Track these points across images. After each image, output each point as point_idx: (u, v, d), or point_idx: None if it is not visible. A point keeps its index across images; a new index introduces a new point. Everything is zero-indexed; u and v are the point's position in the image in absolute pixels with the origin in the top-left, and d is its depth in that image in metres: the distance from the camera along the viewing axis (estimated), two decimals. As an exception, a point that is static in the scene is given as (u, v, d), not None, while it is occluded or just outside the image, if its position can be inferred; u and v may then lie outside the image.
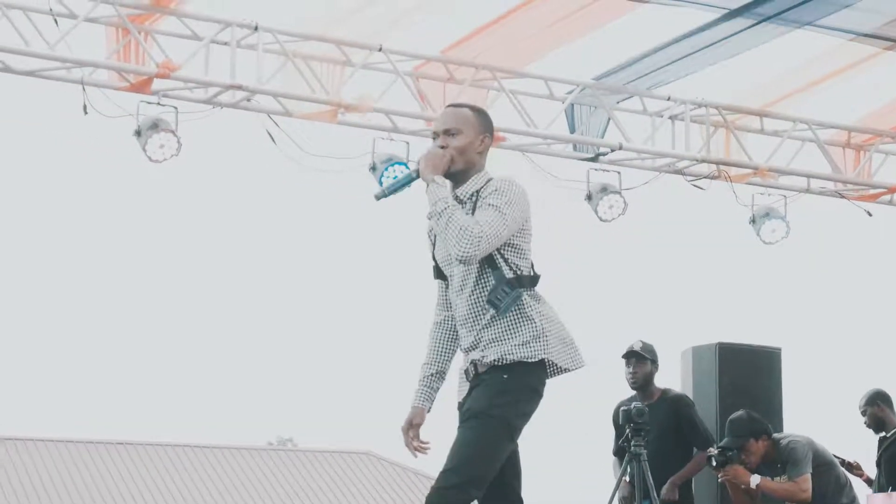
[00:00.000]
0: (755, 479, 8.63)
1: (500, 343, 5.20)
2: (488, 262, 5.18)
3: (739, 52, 10.47)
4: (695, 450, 9.24)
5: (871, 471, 9.75)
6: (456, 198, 5.27)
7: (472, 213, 5.19)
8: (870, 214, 12.23)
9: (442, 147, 5.29)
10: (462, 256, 5.09)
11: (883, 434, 9.63)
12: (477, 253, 5.09)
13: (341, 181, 11.23)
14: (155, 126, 9.78)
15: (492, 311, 5.20)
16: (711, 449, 8.89)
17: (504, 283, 5.18)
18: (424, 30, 10.34)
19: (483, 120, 5.39)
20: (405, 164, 10.52)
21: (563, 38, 10.42)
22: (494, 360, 5.19)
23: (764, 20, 9.96)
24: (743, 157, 11.69)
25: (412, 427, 5.36)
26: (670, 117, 11.46)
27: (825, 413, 13.99)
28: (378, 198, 5.39)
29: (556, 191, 11.15)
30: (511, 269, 5.21)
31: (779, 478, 8.68)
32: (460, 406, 5.32)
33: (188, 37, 9.94)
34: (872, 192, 12.23)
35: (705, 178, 11.63)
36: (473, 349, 5.27)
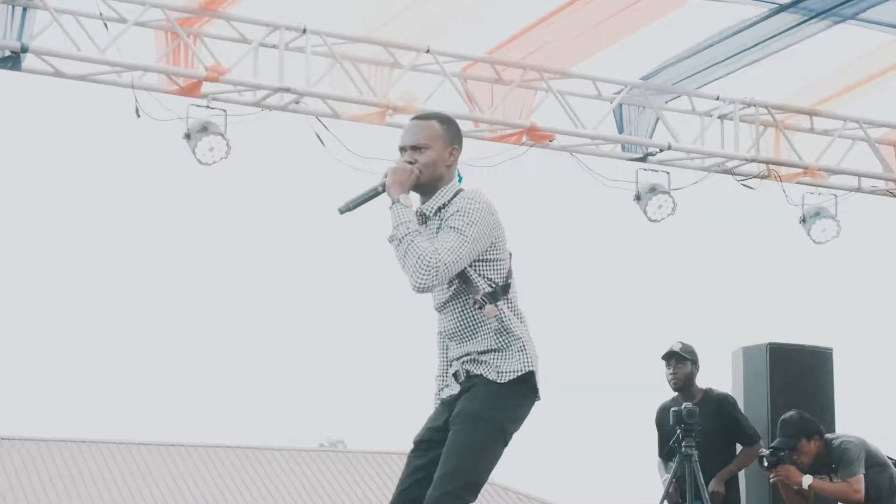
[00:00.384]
0: (807, 480, 8.58)
1: (490, 356, 5.13)
2: (462, 279, 5.11)
3: (788, 47, 10.41)
4: (738, 447, 9.24)
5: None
6: (422, 213, 5.20)
7: (438, 230, 5.11)
8: (922, 213, 12.15)
9: (410, 162, 5.19)
10: (418, 287, 4.99)
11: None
12: (434, 283, 5.00)
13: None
14: (204, 129, 9.84)
15: (482, 328, 5.13)
16: (763, 449, 8.86)
17: (482, 296, 5.10)
18: (472, 31, 10.35)
19: (451, 131, 5.29)
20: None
21: (611, 37, 10.41)
22: (487, 375, 5.13)
23: (815, 16, 9.91)
24: (793, 156, 11.64)
25: None
26: (719, 117, 11.42)
27: (878, 413, 13.89)
28: (342, 211, 5.22)
29: (604, 191, 11.14)
30: (487, 282, 5.14)
31: (831, 478, 8.63)
32: (447, 404, 5.23)
33: (237, 40, 9.99)
34: (924, 190, 12.14)
35: (755, 177, 11.58)
36: (463, 358, 5.21)
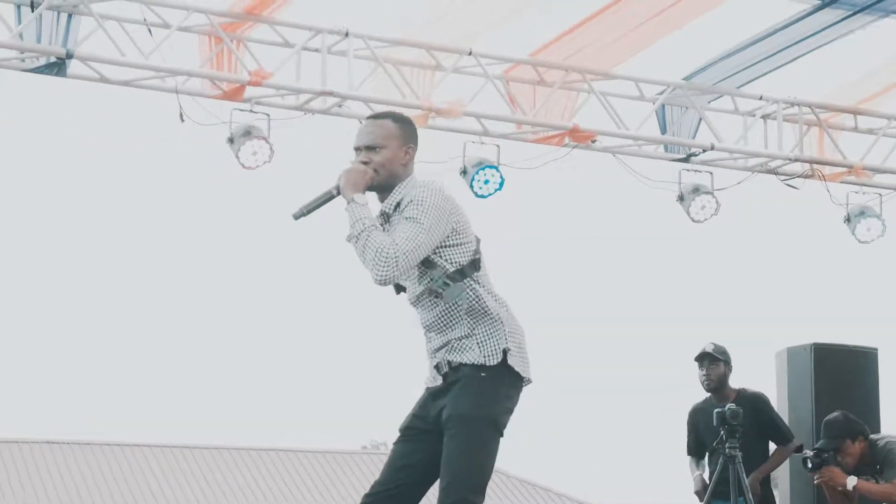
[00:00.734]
0: (852, 481, 8.53)
1: (469, 341, 5.13)
2: (427, 265, 5.11)
3: (831, 43, 10.35)
4: (772, 445, 9.23)
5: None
6: (382, 212, 5.20)
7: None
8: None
9: (364, 162, 5.17)
10: (380, 279, 4.97)
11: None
12: (396, 274, 4.97)
13: (433, 185, 11.18)
14: (248, 133, 9.90)
15: (456, 312, 5.13)
16: (807, 451, 8.83)
17: (446, 276, 5.11)
18: (514, 33, 10.37)
19: (406, 130, 5.26)
20: (496, 168, 10.56)
21: (652, 37, 10.39)
22: (469, 361, 5.13)
23: (858, 11, 9.85)
24: (837, 155, 11.59)
25: None
26: (762, 116, 11.39)
27: (924, 413, 13.80)
28: (296, 217, 5.22)
29: (647, 192, 11.13)
30: (452, 264, 5.12)
31: (876, 479, 8.58)
32: (433, 394, 5.23)
33: (279, 44, 10.04)
34: (971, 188, 12.05)
35: (799, 177, 11.54)
36: (443, 348, 5.20)
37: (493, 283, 5.24)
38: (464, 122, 10.58)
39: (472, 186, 10.51)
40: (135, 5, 9.58)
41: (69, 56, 9.34)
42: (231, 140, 9.93)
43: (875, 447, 8.63)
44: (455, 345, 5.17)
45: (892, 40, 10.43)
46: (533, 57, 10.66)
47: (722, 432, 8.57)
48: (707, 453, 9.26)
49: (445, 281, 5.11)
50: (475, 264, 5.17)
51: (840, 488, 8.60)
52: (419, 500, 5.21)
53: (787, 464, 9.80)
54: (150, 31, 9.62)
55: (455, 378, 5.15)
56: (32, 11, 9.23)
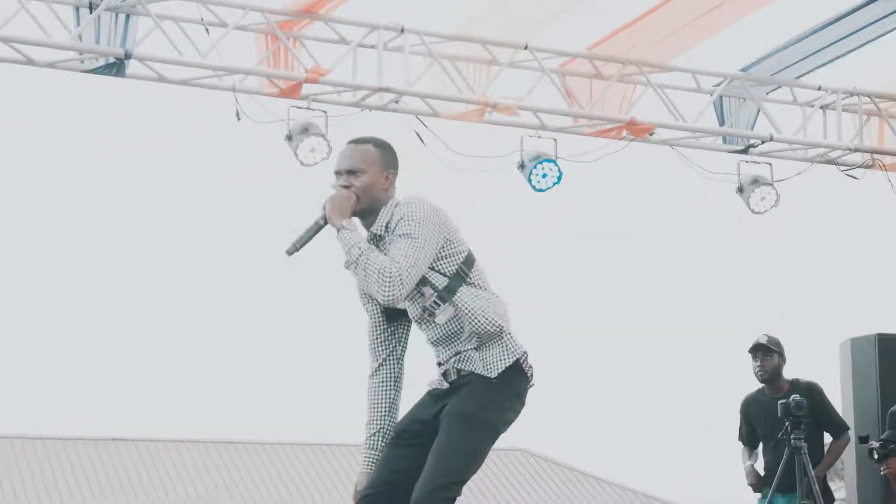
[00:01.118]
0: (918, 472, 8.47)
1: (479, 353, 5.14)
2: (422, 283, 5.10)
3: (890, 32, 10.27)
4: (826, 437, 9.21)
5: None
6: (373, 234, 5.19)
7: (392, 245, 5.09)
8: None
9: (345, 187, 5.16)
10: (387, 299, 5.00)
11: None
12: (402, 291, 4.99)
13: (491, 180, 11.23)
14: (305, 130, 9.93)
15: (458, 328, 5.13)
16: (873, 442, 8.77)
17: (436, 296, 5.11)
18: (570, 27, 10.33)
19: (387, 156, 5.25)
20: (553, 162, 10.53)
21: (709, 29, 10.34)
22: (479, 371, 5.14)
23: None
24: (897, 144, 11.50)
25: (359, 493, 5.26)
26: (821, 107, 11.30)
27: None
28: (289, 253, 5.25)
29: (706, 184, 11.08)
30: (445, 275, 5.13)
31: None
32: (435, 396, 5.24)
33: (336, 41, 10.06)
34: None
35: (859, 167, 11.45)
36: (453, 358, 5.20)
37: (488, 279, 5.25)
38: (521, 116, 10.57)
39: (529, 180, 10.50)
40: (192, 5, 9.63)
41: (128, 56, 9.40)
42: (289, 137, 9.96)
43: (942, 438, 8.56)
44: (465, 356, 5.19)
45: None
46: (589, 51, 10.62)
47: (787, 423, 8.53)
48: (761, 444, 9.23)
49: (436, 301, 5.13)
50: (468, 262, 5.18)
51: (906, 480, 8.55)
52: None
53: (853, 454, 9.74)
54: (207, 30, 9.66)
55: (464, 382, 5.18)
56: (91, 13, 9.29)
